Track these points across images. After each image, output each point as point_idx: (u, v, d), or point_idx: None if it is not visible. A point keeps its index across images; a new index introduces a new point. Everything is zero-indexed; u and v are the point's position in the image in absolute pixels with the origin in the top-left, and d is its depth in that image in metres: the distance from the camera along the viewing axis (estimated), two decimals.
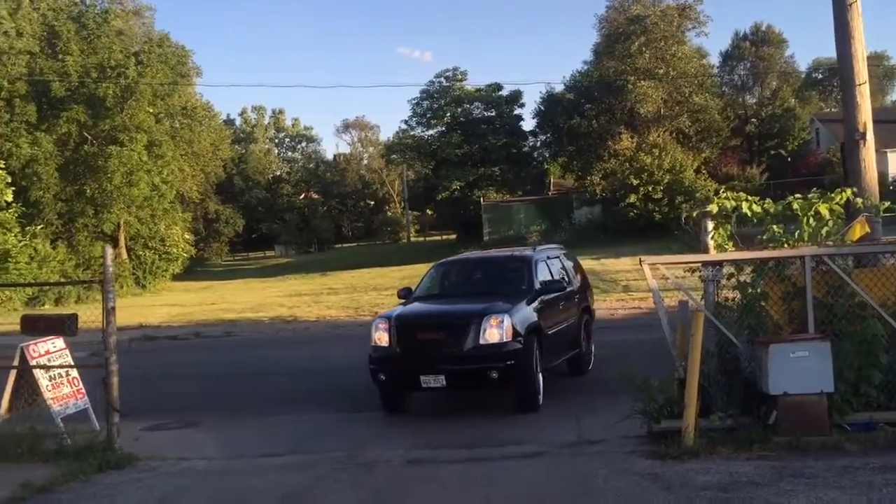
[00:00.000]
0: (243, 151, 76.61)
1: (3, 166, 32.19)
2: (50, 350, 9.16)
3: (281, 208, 74.90)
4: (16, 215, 33.31)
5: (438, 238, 65.23)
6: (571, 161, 48.77)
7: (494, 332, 9.00)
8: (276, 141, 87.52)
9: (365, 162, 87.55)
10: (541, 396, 9.37)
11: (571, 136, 46.08)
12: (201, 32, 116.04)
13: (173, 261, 43.65)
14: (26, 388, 8.83)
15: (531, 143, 53.46)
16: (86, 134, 37.85)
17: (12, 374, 8.87)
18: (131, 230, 41.70)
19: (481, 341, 9.01)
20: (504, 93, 51.26)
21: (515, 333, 9.05)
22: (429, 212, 64.48)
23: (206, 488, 7.04)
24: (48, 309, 29.94)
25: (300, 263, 53.98)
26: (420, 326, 9.60)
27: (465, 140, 48.80)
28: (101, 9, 38.94)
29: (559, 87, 49.37)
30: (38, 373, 8.76)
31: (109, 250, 8.21)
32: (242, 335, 19.79)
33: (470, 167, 48.52)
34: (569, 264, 12.11)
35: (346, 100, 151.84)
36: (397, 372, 9.33)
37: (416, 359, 9.24)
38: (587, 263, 29.32)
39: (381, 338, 9.44)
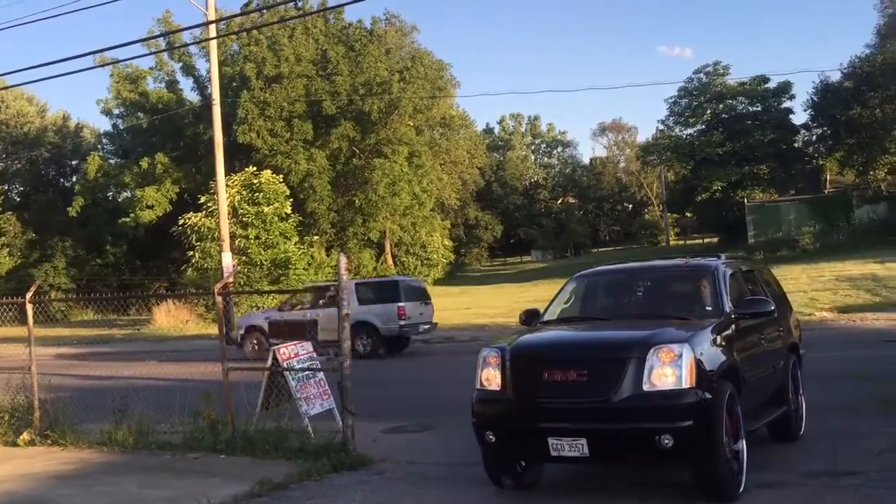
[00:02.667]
0: (501, 159, 78.49)
1: (283, 181, 35.45)
2: (299, 353, 9.75)
3: (538, 213, 75.70)
4: (294, 225, 36.59)
5: (699, 241, 62.32)
6: (851, 155, 44.27)
7: (667, 371, 6.03)
8: (533, 147, 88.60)
9: (622, 165, 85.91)
10: (742, 478, 6.33)
11: (851, 127, 41.83)
12: (460, 43, 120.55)
13: (434, 266, 45.69)
14: (277, 387, 9.49)
15: (803, 138, 49.33)
16: (354, 148, 40.78)
17: (266, 374, 9.59)
18: (395, 237, 44.21)
19: (646, 386, 6.04)
20: (771, 85, 47.72)
21: (701, 375, 6.09)
22: (688, 214, 61.83)
23: (423, 498, 7.07)
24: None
25: (555, 268, 54.04)
26: (548, 362, 6.53)
27: (727, 138, 46.13)
28: (367, 30, 41.69)
29: (835, 76, 45.12)
30: (287, 374, 9.38)
31: (343, 260, 8.57)
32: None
33: (733, 166, 45.75)
34: (766, 283, 8.81)
35: (603, 103, 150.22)
36: (512, 431, 6.51)
37: (542, 412, 6.35)
38: (868, 268, 26.52)
39: (490, 377, 6.66)
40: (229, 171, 31.92)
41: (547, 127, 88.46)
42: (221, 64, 29.13)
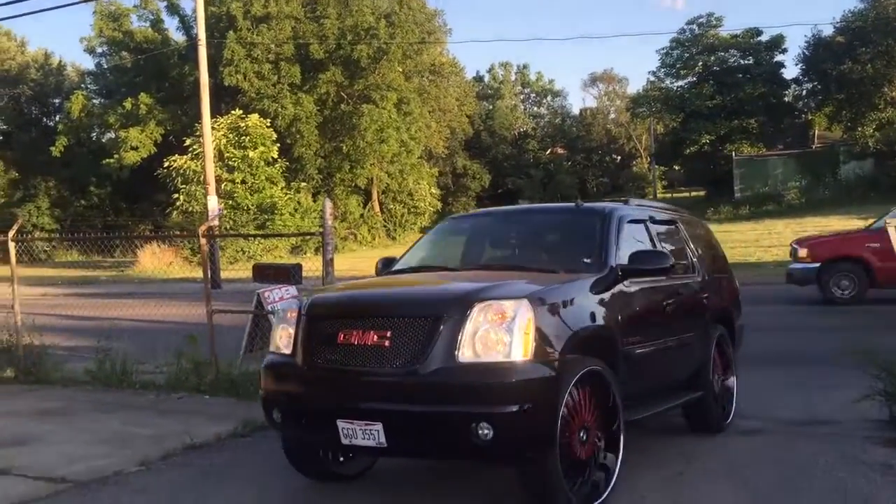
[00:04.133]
0: (490, 108, 77.90)
1: (269, 125, 35.11)
2: (284, 297, 9.78)
3: (526, 164, 75.39)
4: (281, 171, 36.36)
5: (686, 195, 62.49)
6: (840, 111, 44.21)
7: (493, 336, 4.51)
8: (523, 97, 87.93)
9: (612, 116, 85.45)
10: (606, 493, 4.88)
11: (841, 83, 41.69)
12: None
13: (420, 214, 45.66)
14: (262, 331, 9.52)
15: (793, 93, 49.19)
16: (342, 93, 40.35)
17: (250, 318, 9.62)
18: (382, 185, 44.06)
19: (462, 356, 4.49)
20: (763, 38, 47.39)
21: (544, 345, 4.58)
22: (676, 167, 61.87)
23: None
24: (309, 258, 32.50)
25: None
26: (344, 319, 4.91)
27: (717, 91, 45.96)
28: None
29: (827, 30, 44.76)
30: (271, 317, 9.41)
31: (328, 205, 8.54)
32: None
33: (722, 119, 45.64)
34: (695, 238, 7.22)
35: (595, 53, 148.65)
36: (299, 410, 4.98)
37: (330, 385, 4.81)
38: (851, 224, 26.65)
39: (283, 338, 5.15)
40: (215, 113, 31.57)
41: (536, 76, 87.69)
42: (207, 3, 28.57)
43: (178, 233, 30.80)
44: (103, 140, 47.04)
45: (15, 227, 10.20)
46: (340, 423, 4.65)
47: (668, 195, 68.97)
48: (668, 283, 6.16)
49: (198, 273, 16.21)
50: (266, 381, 5.18)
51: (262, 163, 34.45)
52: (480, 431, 4.33)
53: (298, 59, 39.44)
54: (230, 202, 32.90)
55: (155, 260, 30.99)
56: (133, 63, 43.02)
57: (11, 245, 9.98)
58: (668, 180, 74.03)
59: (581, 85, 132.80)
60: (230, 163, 33.56)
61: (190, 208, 33.35)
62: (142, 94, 41.08)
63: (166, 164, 34.77)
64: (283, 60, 38.79)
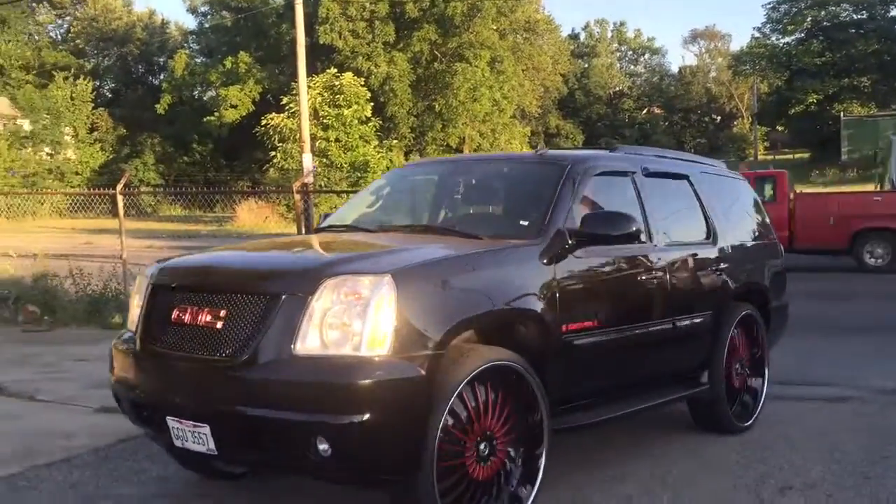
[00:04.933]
0: (586, 66, 76.43)
1: (363, 84, 35.42)
2: None
3: (621, 124, 73.94)
4: (374, 129, 36.72)
5: (790, 157, 60.11)
6: None
7: (342, 322, 3.52)
8: (619, 55, 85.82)
9: (712, 74, 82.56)
10: None
11: None
12: None
13: None
14: None
15: None
16: (435, 52, 40.30)
17: None
18: (474, 144, 43.98)
19: (302, 346, 3.52)
20: None
21: (411, 335, 3.55)
22: (779, 128, 59.47)
23: None
24: None
25: None
26: (180, 292, 4.00)
27: (826, 47, 43.85)
28: None
29: None
30: None
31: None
32: None
33: (830, 78, 43.58)
34: (717, 197, 5.95)
35: (696, 9, 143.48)
36: (134, 400, 4.10)
37: (156, 374, 4.00)
38: None
39: (132, 312, 4.32)
40: (311, 72, 32.05)
41: (634, 33, 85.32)
42: None
43: (274, 189, 31.64)
44: (205, 98, 48.50)
45: (122, 182, 10.70)
46: (170, 422, 3.79)
47: (770, 157, 66.46)
48: (656, 254, 5.01)
49: (292, 228, 16.66)
50: (113, 364, 4.26)
51: (356, 121, 34.84)
52: (319, 446, 3.36)
53: (393, 18, 39.54)
54: (324, 160, 33.48)
55: (252, 215, 31.93)
56: (233, 22, 44.00)
57: (119, 198, 10.48)
58: (771, 141, 71.31)
59: (681, 42, 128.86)
60: (325, 121, 34.08)
61: (286, 165, 34.11)
62: (241, 53, 42.05)
63: (263, 123, 35.59)
64: (377, 19, 38.95)
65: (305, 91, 26.88)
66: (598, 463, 4.94)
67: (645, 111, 77.50)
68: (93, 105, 43.82)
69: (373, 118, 36.34)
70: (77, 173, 40.24)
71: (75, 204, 28.39)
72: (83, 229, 25.20)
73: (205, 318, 3.76)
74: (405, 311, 3.54)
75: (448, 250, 4.19)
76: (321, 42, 38.28)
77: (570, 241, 4.39)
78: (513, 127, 45.83)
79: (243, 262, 4.39)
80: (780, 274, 6.52)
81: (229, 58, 42.43)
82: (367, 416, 3.38)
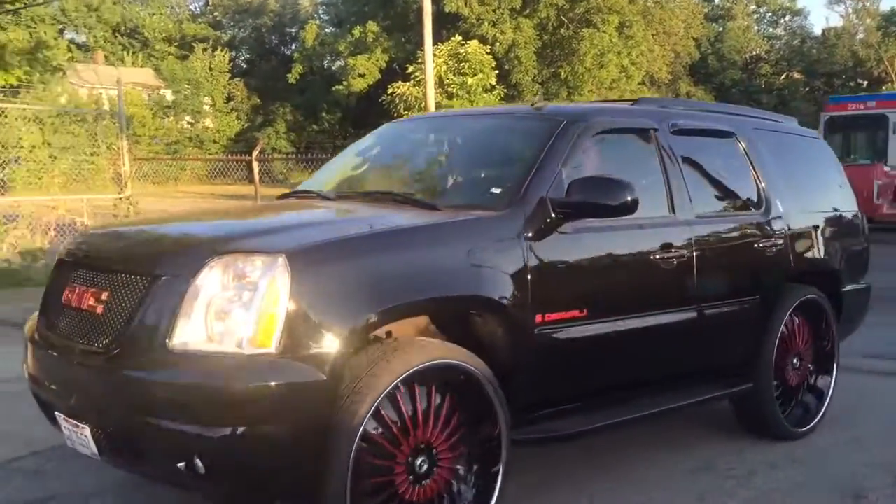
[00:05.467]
0: (720, 30, 73.25)
1: (489, 52, 35.26)
2: None
3: (757, 90, 70.60)
4: (499, 97, 36.55)
5: None
6: None
7: (223, 311, 2.94)
8: (757, 17, 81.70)
9: (860, 36, 77.46)
10: None
11: None
12: None
13: None
14: None
15: None
16: (562, 17, 39.59)
17: None
18: None
19: (175, 340, 2.93)
20: None
21: (311, 329, 2.95)
22: None
23: None
24: None
25: None
26: (75, 270, 3.49)
27: None
28: None
29: None
30: None
31: None
32: None
33: None
34: (776, 158, 5.13)
35: None
36: (35, 393, 3.60)
37: (40, 365, 3.53)
38: None
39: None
40: (437, 40, 32.17)
41: None
42: None
43: None
44: (333, 68, 49.57)
45: (257, 149, 11.18)
46: (60, 420, 3.33)
47: None
48: (678, 229, 4.25)
49: None
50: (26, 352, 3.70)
51: (481, 89, 34.76)
52: (195, 461, 2.85)
53: None
54: None
55: None
56: None
57: (255, 164, 10.95)
58: None
59: (825, 2, 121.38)
60: (450, 90, 34.20)
61: None
62: (369, 22, 42.65)
63: (390, 91, 36.07)
64: None
65: (431, 59, 27.04)
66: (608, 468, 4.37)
67: (783, 76, 73.68)
68: (229, 76, 45.70)
69: (497, 86, 36.16)
70: (214, 141, 42.22)
71: (214, 170, 29.90)
72: (221, 194, 26.44)
73: (88, 300, 3.23)
74: (303, 300, 2.90)
75: (382, 223, 3.53)
76: (447, 10, 38.31)
77: (552, 215, 3.66)
78: (641, 93, 44.59)
79: (136, 236, 3.72)
80: (860, 252, 5.61)
81: (357, 27, 43.13)
82: (244, 429, 2.80)
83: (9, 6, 20.16)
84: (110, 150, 14.82)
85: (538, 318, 3.59)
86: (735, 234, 4.67)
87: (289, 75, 46.05)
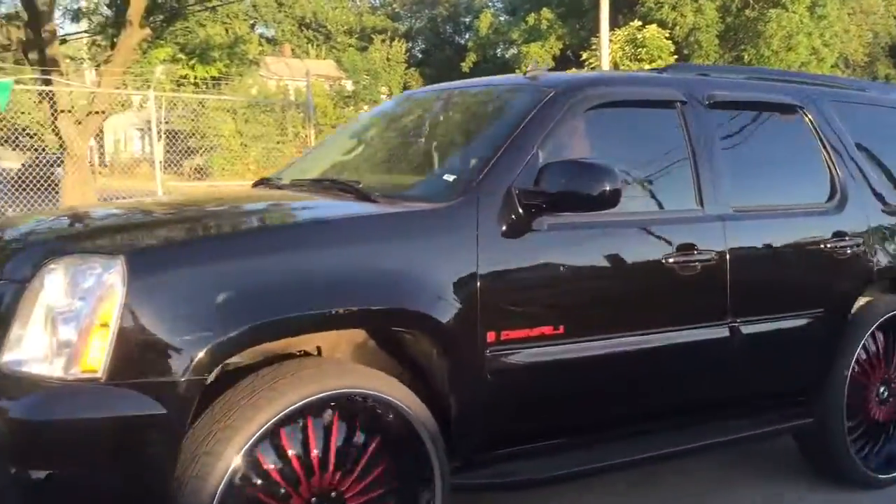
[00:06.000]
0: None
1: (668, 36, 34.15)
2: None
3: None
4: None
5: None
6: None
7: (54, 325, 2.40)
8: None
9: None
10: None
11: None
12: None
13: None
14: None
15: None
16: None
17: None
18: None
19: (6, 356, 2.41)
20: None
21: (148, 351, 2.37)
22: None
23: None
24: None
25: None
26: None
27: None
28: None
29: None
30: None
31: None
32: None
33: None
34: (861, 137, 4.17)
35: None
36: None
37: None
38: None
39: None
40: (613, 26, 31.52)
41: None
42: None
43: None
44: (507, 56, 49.74)
45: None
46: None
47: None
48: (703, 227, 3.46)
49: None
50: None
51: None
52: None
53: None
54: None
55: None
56: None
57: None
58: None
59: None
60: None
61: None
62: (543, 9, 42.45)
63: None
64: None
65: (607, 45, 26.55)
66: None
67: None
68: (406, 65, 46.90)
69: None
70: None
71: None
72: None
73: None
74: (144, 312, 2.35)
75: (282, 218, 3.09)
76: None
77: (520, 210, 2.99)
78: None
79: (10, 231, 3.15)
80: None
81: (532, 15, 43.04)
82: (48, 473, 2.25)
83: (207, 3, 21.62)
84: (297, 138, 15.62)
85: (489, 336, 2.90)
86: (791, 232, 3.76)
87: (462, 64, 46.67)
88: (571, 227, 3.11)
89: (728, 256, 3.43)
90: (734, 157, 3.65)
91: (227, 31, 39.97)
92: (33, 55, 13.59)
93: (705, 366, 3.50)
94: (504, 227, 2.97)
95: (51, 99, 12.85)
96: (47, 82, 13.02)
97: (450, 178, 3.27)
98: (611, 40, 30.39)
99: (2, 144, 15.52)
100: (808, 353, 3.76)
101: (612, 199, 2.96)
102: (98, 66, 15.02)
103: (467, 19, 57.17)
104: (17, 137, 14.82)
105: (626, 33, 34.05)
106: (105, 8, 18.85)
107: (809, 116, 3.98)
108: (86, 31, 20.59)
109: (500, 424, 3.02)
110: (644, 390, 3.38)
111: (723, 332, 3.46)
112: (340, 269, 2.68)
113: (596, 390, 3.23)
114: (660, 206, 3.46)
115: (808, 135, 3.97)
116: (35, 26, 13.48)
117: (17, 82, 12.75)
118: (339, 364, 2.86)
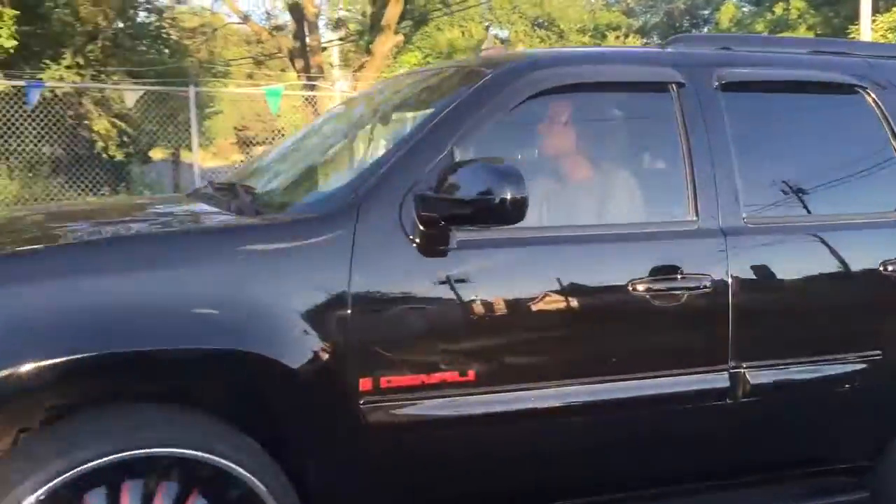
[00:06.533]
0: None
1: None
2: None
3: None
4: None
5: None
6: None
7: None
8: None
9: None
10: None
11: None
12: None
13: None
14: None
15: None
16: None
17: None
18: None
19: None
20: None
21: None
22: None
23: None
24: None
25: None
26: None
27: None
28: None
29: None
30: None
31: None
32: None
33: None
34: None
35: None
36: None
37: None
38: None
39: None
40: (873, 11, 29.01)
41: None
42: None
43: None
44: None
45: None
46: None
47: None
48: (701, 241, 2.69)
49: None
50: None
51: None
52: None
53: None
54: None
55: None
56: None
57: None
58: None
59: None
60: None
61: None
62: None
63: None
64: None
65: (868, 34, 24.45)
66: None
67: None
68: None
69: None
70: None
71: None
72: None
73: None
74: None
75: (108, 233, 2.55)
76: None
77: (419, 225, 2.33)
78: None
79: None
80: None
81: (780, 4, 40.54)
82: None
83: (445, 8, 22.44)
84: None
85: (364, 384, 2.27)
86: (832, 248, 2.86)
87: None
88: (492, 245, 2.46)
89: (730, 280, 2.67)
90: (753, 155, 2.86)
91: (462, 33, 41.22)
92: (299, 63, 14.89)
93: (691, 425, 2.71)
94: (396, 245, 2.34)
95: (313, 104, 13.99)
96: (311, 87, 14.21)
97: (335, 185, 2.72)
98: (872, 28, 27.88)
99: (261, 144, 17.00)
100: (861, 407, 2.89)
101: (510, 213, 2.29)
102: (355, 71, 16.20)
103: (706, 11, 54.91)
104: (273, 139, 16.22)
105: (889, 20, 31.12)
106: (361, 17, 20.18)
107: (875, 97, 3.04)
108: (341, 39, 22.19)
109: (382, 494, 2.38)
110: (599, 459, 2.66)
111: (719, 380, 2.69)
112: (160, 298, 2.10)
113: (524, 457, 2.52)
114: (632, 216, 2.76)
115: (869, 122, 3.04)
116: (302, 36, 14.75)
117: (288, 88, 14.00)
118: (142, 416, 2.17)
